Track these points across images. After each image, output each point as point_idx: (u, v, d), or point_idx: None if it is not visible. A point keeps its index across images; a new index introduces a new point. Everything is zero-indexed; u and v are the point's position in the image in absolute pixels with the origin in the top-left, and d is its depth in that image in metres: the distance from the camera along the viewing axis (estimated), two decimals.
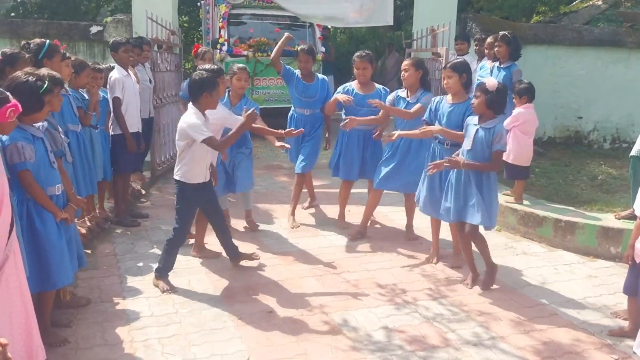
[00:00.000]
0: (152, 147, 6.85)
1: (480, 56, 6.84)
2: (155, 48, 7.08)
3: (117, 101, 5.33)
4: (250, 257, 4.58)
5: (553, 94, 8.69)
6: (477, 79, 5.92)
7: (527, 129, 5.36)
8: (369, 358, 3.27)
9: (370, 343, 3.43)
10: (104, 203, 5.58)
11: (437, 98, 4.57)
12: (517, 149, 5.36)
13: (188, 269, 4.44)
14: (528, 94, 5.36)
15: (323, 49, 10.62)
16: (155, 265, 4.28)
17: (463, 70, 4.29)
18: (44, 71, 3.28)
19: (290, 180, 6.79)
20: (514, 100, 5.51)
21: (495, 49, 6.04)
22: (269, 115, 5.79)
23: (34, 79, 3.00)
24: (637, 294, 3.46)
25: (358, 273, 4.48)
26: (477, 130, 4.02)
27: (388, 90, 5.36)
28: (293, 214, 5.67)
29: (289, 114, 5.71)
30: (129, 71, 5.62)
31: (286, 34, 5.50)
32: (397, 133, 4.56)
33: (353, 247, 5.04)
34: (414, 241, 5.22)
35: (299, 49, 5.52)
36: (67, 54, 4.33)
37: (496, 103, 3.95)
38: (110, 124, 5.42)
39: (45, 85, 3.03)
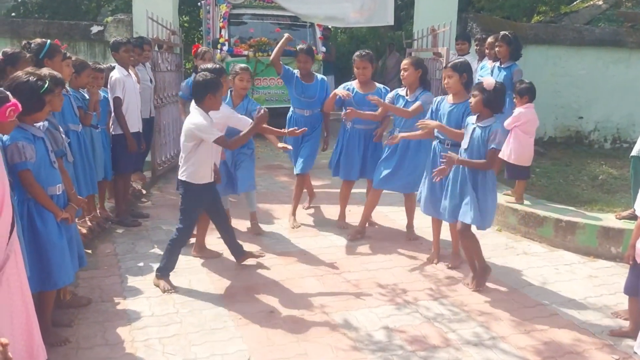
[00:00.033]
0: (153, 147, 6.86)
1: (481, 56, 6.83)
2: (156, 48, 7.08)
3: (117, 101, 5.34)
4: (255, 255, 4.59)
5: (554, 94, 8.69)
6: (478, 79, 5.91)
7: (529, 128, 5.36)
8: (370, 358, 3.27)
9: (371, 343, 3.43)
10: (105, 203, 5.58)
11: (438, 98, 4.58)
12: (518, 149, 5.36)
13: (189, 269, 4.44)
14: (529, 93, 5.37)
15: (324, 49, 10.62)
16: (155, 265, 4.28)
17: (463, 70, 4.30)
18: (45, 71, 3.28)
19: (290, 180, 6.79)
20: (514, 100, 5.52)
21: (496, 48, 6.03)
22: (269, 115, 5.78)
23: (34, 78, 3.00)
24: (637, 294, 3.46)
25: (359, 273, 4.48)
26: (474, 129, 4.02)
27: (389, 89, 5.37)
28: (294, 214, 5.67)
29: (288, 115, 5.69)
30: (130, 71, 5.62)
31: (286, 35, 5.49)
32: (399, 135, 4.55)
33: (354, 247, 5.04)
34: (414, 241, 5.22)
35: (297, 48, 5.51)
36: (68, 54, 4.33)
37: (493, 102, 3.95)
38: (110, 124, 5.43)
39: (46, 85, 3.03)
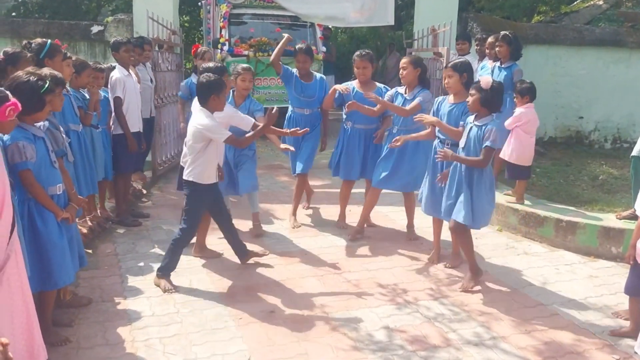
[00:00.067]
0: (153, 146, 6.86)
1: (482, 56, 6.83)
2: (156, 48, 7.08)
3: (118, 101, 5.34)
4: (259, 254, 4.60)
5: (554, 94, 8.69)
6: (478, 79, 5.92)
7: (530, 128, 5.38)
8: (370, 358, 3.27)
9: (372, 343, 3.43)
10: (105, 203, 5.58)
11: (440, 98, 4.59)
12: (519, 149, 5.37)
13: (189, 269, 4.44)
14: (530, 93, 5.38)
15: (324, 49, 10.61)
16: (156, 265, 4.28)
17: (464, 70, 4.30)
18: (45, 71, 3.28)
19: (291, 180, 6.79)
20: (515, 99, 5.53)
21: (496, 48, 6.04)
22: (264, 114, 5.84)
23: (35, 78, 3.00)
24: (638, 294, 3.47)
25: (359, 273, 4.48)
26: (471, 128, 4.03)
27: (389, 89, 5.36)
28: (294, 214, 5.67)
29: (287, 114, 5.68)
30: (130, 71, 5.62)
31: (286, 36, 5.48)
32: (403, 138, 4.54)
33: (354, 247, 5.04)
34: (414, 241, 5.22)
35: (296, 47, 5.49)
36: (68, 54, 4.33)
37: (490, 101, 3.95)
38: (111, 124, 5.42)
39: (46, 85, 3.03)
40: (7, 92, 2.61)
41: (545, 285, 4.33)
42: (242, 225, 5.43)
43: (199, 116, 4.01)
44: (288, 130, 4.53)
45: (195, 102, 4.72)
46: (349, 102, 4.92)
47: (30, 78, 2.99)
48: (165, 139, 7.35)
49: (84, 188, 4.54)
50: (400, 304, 3.96)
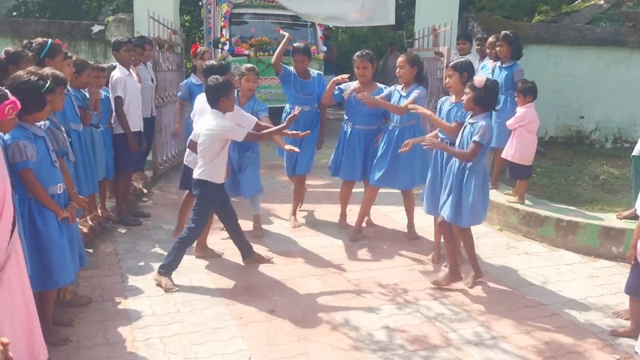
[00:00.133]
0: (154, 146, 6.86)
1: (482, 56, 6.82)
2: (157, 47, 7.08)
3: (119, 100, 5.34)
4: (264, 259, 4.61)
5: (555, 94, 8.68)
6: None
7: (533, 127, 5.41)
8: (371, 357, 3.27)
9: (372, 342, 3.43)
10: (106, 202, 5.59)
11: (443, 98, 4.60)
12: (522, 148, 5.38)
13: (190, 268, 4.44)
14: (533, 93, 5.39)
15: (325, 49, 10.60)
16: (156, 265, 4.29)
17: (464, 69, 4.30)
18: (47, 70, 3.27)
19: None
20: (516, 99, 5.53)
21: (497, 48, 6.03)
22: (270, 114, 5.81)
23: (35, 78, 3.00)
24: (639, 294, 3.46)
25: (359, 272, 4.48)
26: (466, 126, 4.04)
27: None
28: (294, 213, 5.67)
29: (285, 111, 5.65)
30: (131, 70, 5.62)
31: (287, 35, 5.48)
32: (411, 142, 4.52)
33: (354, 247, 5.04)
34: (415, 241, 5.22)
35: (294, 46, 5.47)
36: (69, 54, 4.33)
37: (484, 100, 3.94)
38: (112, 123, 5.43)
39: (47, 85, 3.03)
40: (6, 91, 2.61)
41: (545, 285, 4.33)
42: (243, 226, 5.37)
43: (214, 119, 4.06)
44: (290, 132, 4.52)
45: (196, 102, 4.74)
46: (366, 96, 4.75)
47: (31, 77, 2.99)
48: (166, 139, 7.35)
49: (85, 187, 4.54)
50: (400, 303, 3.96)
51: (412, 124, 4.93)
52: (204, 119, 4.17)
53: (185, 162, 4.70)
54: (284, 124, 4.35)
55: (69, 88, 4.41)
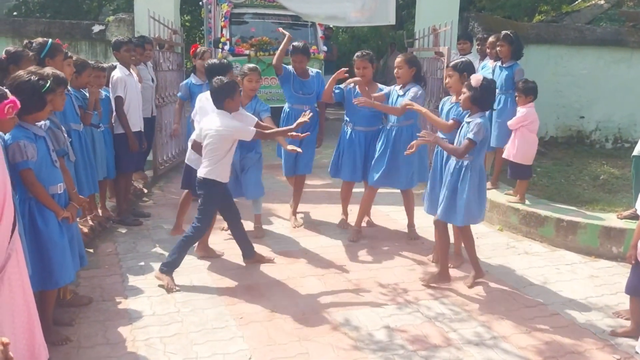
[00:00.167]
0: (154, 146, 6.86)
1: (483, 56, 6.82)
2: (157, 47, 7.08)
3: (119, 100, 5.34)
4: (265, 259, 4.61)
5: (555, 94, 8.68)
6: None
7: (534, 127, 5.42)
8: (371, 357, 3.27)
9: (372, 342, 3.43)
10: (106, 202, 5.59)
11: (445, 98, 4.62)
12: (524, 148, 5.39)
13: (190, 268, 4.44)
14: (534, 93, 5.40)
15: (325, 49, 10.60)
16: (156, 265, 4.29)
17: (464, 69, 4.30)
18: (48, 70, 3.28)
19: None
20: (517, 99, 5.53)
21: (497, 48, 6.03)
22: (271, 114, 5.83)
23: (36, 78, 3.00)
24: (639, 294, 3.46)
25: (360, 272, 4.48)
26: (463, 125, 4.05)
27: None
28: (295, 213, 5.67)
29: (284, 111, 5.64)
30: (131, 70, 5.62)
31: (288, 35, 5.48)
32: (416, 143, 4.52)
33: (355, 247, 5.04)
34: (415, 241, 5.22)
35: (293, 46, 5.47)
36: (69, 53, 4.34)
37: (480, 99, 3.94)
38: (113, 123, 5.43)
39: (47, 85, 3.03)
40: (6, 90, 2.61)
41: (546, 285, 4.33)
42: (244, 226, 5.42)
43: (221, 119, 4.07)
44: (292, 133, 4.51)
45: (197, 102, 4.73)
46: (362, 100, 4.79)
47: (32, 77, 2.99)
48: (166, 139, 7.35)
49: (85, 187, 4.54)
50: (400, 303, 3.96)
51: (410, 124, 4.93)
52: (208, 119, 4.17)
53: (186, 162, 4.70)
54: (292, 126, 4.36)
55: (69, 88, 4.41)
